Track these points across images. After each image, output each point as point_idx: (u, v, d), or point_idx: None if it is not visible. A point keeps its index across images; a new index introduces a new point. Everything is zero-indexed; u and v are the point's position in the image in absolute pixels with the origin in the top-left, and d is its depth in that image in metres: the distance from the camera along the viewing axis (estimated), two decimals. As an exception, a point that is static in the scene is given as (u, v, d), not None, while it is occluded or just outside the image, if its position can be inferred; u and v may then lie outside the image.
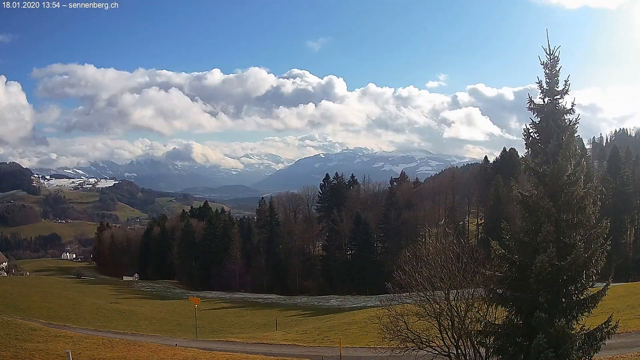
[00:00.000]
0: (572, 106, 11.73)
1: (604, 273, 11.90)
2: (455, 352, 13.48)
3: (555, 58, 11.80)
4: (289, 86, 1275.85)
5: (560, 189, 11.45)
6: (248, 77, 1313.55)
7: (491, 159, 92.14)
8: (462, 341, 13.36)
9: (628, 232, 69.39)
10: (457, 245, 14.23)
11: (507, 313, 12.34)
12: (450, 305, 13.53)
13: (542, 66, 11.87)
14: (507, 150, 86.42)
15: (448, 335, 13.59)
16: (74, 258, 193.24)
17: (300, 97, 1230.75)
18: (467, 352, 13.34)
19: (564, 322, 10.86)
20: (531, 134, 12.08)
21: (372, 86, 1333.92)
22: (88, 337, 25.54)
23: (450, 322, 13.46)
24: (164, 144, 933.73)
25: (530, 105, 12.02)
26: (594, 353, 11.46)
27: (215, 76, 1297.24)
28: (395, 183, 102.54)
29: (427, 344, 13.75)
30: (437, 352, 13.69)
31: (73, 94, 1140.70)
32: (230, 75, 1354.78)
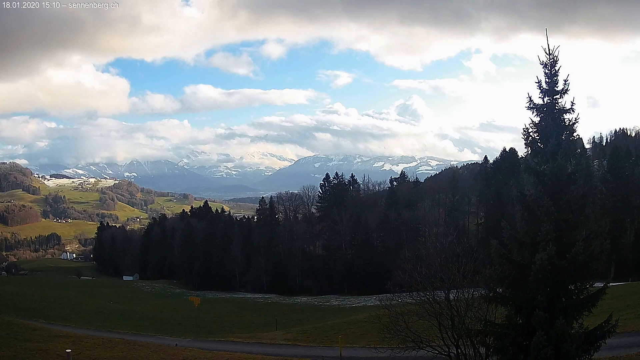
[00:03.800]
0: (572, 105, 11.73)
1: (604, 273, 11.91)
2: (455, 351, 13.48)
3: (555, 58, 11.81)
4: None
5: (560, 189, 11.46)
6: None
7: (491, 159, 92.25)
8: (462, 341, 13.36)
9: (628, 232, 69.21)
10: (457, 245, 14.25)
11: (507, 312, 12.34)
12: (450, 305, 13.54)
13: (542, 66, 11.87)
14: (507, 150, 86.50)
15: (448, 335, 13.60)
16: (74, 258, 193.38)
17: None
18: (467, 352, 13.34)
19: (564, 322, 10.86)
20: (531, 133, 12.08)
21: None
22: (88, 337, 25.54)
23: (450, 322, 13.46)
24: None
25: (529, 104, 12.02)
26: (594, 352, 11.46)
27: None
28: (395, 183, 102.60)
29: (427, 343, 13.76)
30: (437, 352, 13.70)
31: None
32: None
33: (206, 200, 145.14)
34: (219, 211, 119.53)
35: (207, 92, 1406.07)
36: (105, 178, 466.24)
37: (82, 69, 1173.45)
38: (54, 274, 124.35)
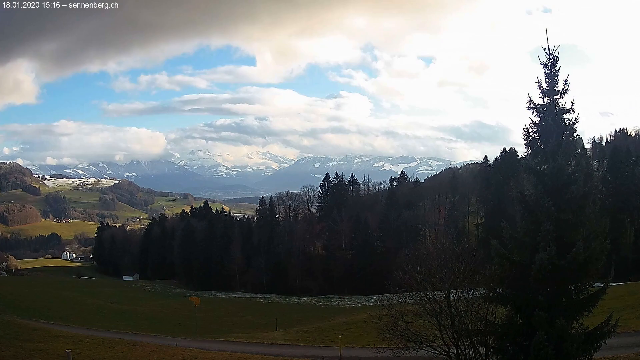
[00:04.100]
0: (572, 105, 11.74)
1: (604, 273, 11.91)
2: (455, 351, 13.48)
3: (555, 58, 11.81)
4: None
5: (560, 188, 11.46)
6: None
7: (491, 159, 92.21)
8: (462, 341, 13.36)
9: (628, 232, 69.24)
10: (457, 245, 14.25)
11: (507, 312, 12.34)
12: (450, 305, 13.53)
13: (542, 66, 11.87)
14: (507, 150, 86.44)
15: (448, 335, 13.59)
16: (74, 258, 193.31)
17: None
18: (467, 352, 13.34)
19: (564, 322, 10.86)
20: (531, 133, 12.08)
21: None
22: (88, 337, 25.56)
23: (450, 322, 13.46)
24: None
25: (529, 104, 12.02)
26: (594, 352, 11.47)
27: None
28: (395, 183, 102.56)
29: (427, 343, 13.75)
30: (437, 352, 13.70)
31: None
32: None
33: (206, 200, 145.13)
34: (219, 211, 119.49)
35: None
36: (105, 178, 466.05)
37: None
38: (54, 274, 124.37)
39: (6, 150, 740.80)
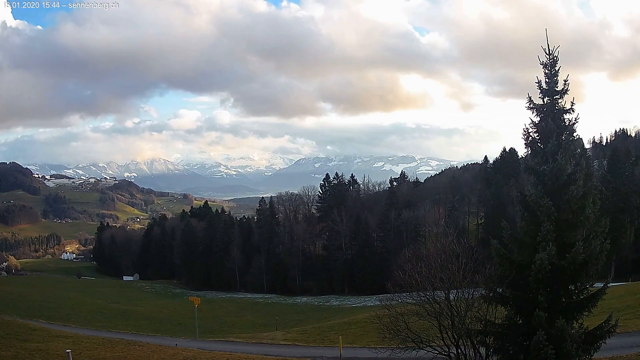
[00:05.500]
0: (572, 106, 11.74)
1: (604, 273, 11.93)
2: (455, 352, 13.47)
3: (555, 58, 11.81)
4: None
5: (560, 188, 11.46)
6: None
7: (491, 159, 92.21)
8: (462, 341, 13.34)
9: (628, 232, 69.19)
10: (457, 245, 14.23)
11: (507, 312, 12.35)
12: (450, 305, 13.52)
13: (542, 66, 11.87)
14: (507, 150, 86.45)
15: (448, 335, 13.57)
16: (74, 258, 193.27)
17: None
18: (467, 352, 13.33)
19: (564, 322, 10.86)
20: (531, 133, 12.08)
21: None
22: (88, 337, 25.54)
23: (450, 322, 13.44)
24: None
25: (529, 104, 12.02)
26: (594, 352, 11.47)
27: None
28: (395, 183, 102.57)
29: (427, 344, 13.73)
30: (437, 352, 13.68)
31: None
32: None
33: (206, 201, 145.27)
34: (219, 211, 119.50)
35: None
36: (106, 178, 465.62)
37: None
38: (54, 274, 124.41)
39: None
